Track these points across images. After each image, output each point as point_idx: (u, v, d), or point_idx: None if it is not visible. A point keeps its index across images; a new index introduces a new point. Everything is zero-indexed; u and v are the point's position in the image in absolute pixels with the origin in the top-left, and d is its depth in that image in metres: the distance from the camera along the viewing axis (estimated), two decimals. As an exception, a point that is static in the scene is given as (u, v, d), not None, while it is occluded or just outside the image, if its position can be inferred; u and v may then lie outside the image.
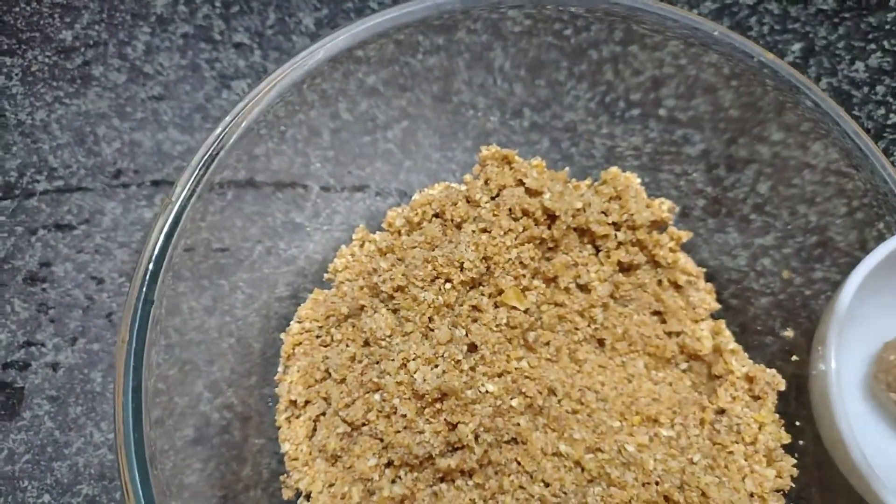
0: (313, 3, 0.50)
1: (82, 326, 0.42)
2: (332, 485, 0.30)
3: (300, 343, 0.35)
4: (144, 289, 0.30)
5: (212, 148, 0.33)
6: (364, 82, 0.42)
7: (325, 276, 0.39)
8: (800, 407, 0.37)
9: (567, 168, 0.38)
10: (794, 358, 0.38)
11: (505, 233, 0.33)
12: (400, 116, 0.43)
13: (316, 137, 0.42)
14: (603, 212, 0.35)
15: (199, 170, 0.32)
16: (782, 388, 0.36)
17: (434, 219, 0.35)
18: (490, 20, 0.41)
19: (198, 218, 0.37)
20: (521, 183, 0.35)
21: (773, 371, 0.36)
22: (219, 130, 0.34)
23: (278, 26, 0.49)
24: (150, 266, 0.30)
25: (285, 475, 0.33)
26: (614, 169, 0.38)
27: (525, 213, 0.33)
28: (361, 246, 0.38)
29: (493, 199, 0.35)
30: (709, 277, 0.42)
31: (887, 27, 0.52)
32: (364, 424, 0.30)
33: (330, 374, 0.31)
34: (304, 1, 0.50)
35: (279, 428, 0.34)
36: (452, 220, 0.34)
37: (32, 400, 0.41)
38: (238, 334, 0.39)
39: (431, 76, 0.43)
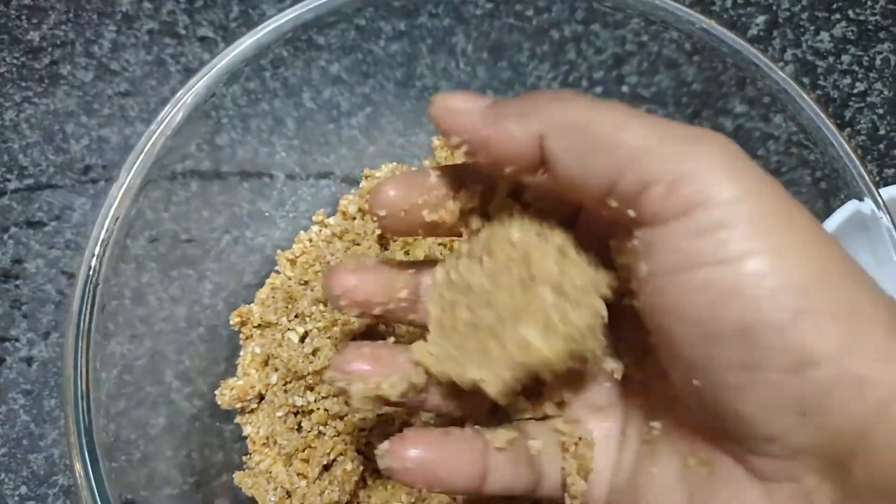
0: (277, -5, 0.51)
1: (55, 321, 0.43)
2: (290, 464, 0.30)
3: (258, 325, 0.35)
4: (91, 272, 0.30)
5: (159, 128, 0.33)
6: (327, 70, 0.42)
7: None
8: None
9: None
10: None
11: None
12: (363, 103, 0.44)
13: (280, 126, 0.42)
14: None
15: (145, 153, 0.32)
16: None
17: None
18: (451, 3, 0.42)
19: (161, 209, 0.37)
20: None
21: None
22: (165, 110, 0.34)
23: (242, 19, 0.50)
24: (96, 249, 0.30)
25: (248, 457, 0.34)
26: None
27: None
28: (319, 231, 0.39)
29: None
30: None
31: (851, -4, 0.52)
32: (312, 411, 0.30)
33: (279, 356, 0.32)
34: (268, -7, 0.51)
35: (240, 411, 0.35)
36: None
37: (7, 394, 0.41)
38: (207, 323, 0.39)
39: (394, 62, 0.43)
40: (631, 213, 0.19)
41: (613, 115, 0.19)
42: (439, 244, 0.37)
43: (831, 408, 0.17)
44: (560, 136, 0.20)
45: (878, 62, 0.50)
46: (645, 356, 0.24)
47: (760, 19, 0.51)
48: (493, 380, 0.21)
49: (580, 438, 0.24)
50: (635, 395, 0.24)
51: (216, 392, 0.35)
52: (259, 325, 0.36)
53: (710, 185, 0.18)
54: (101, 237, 0.30)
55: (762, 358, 0.17)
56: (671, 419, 0.22)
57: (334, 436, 0.31)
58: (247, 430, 0.34)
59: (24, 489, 0.39)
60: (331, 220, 0.40)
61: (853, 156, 0.36)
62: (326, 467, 0.31)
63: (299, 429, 0.32)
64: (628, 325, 0.24)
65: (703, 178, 0.18)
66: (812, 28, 0.51)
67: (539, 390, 0.25)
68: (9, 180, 0.46)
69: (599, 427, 0.25)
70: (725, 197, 0.18)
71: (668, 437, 0.22)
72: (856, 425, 0.17)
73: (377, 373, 0.23)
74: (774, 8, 0.52)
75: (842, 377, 0.17)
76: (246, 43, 0.35)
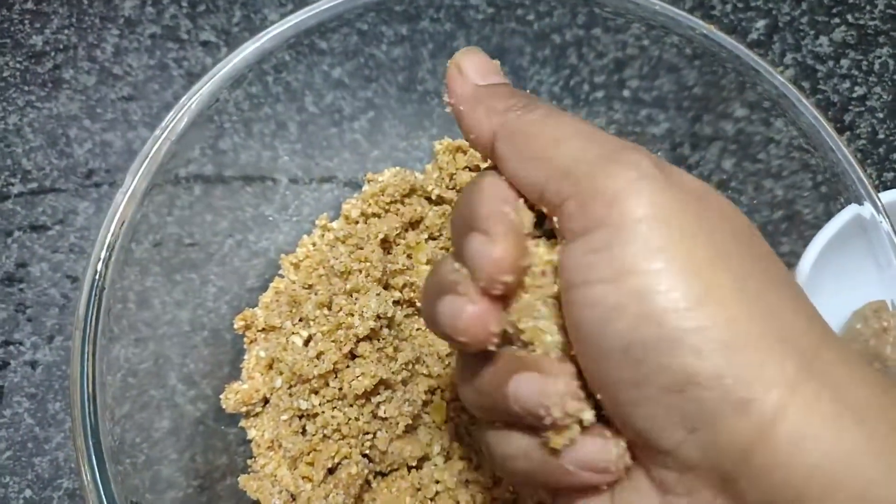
0: (278, 0, 0.51)
1: (59, 324, 0.43)
2: (295, 467, 0.31)
3: (262, 329, 0.36)
4: (97, 277, 0.30)
5: (163, 134, 0.33)
6: (329, 75, 0.42)
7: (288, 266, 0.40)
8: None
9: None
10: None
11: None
12: (366, 107, 0.44)
13: (283, 130, 0.42)
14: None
15: (150, 159, 0.32)
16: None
17: (387, 214, 0.35)
18: (453, 8, 0.42)
19: (164, 213, 0.37)
20: (478, 168, 0.36)
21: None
22: (170, 116, 0.34)
23: (244, 23, 0.50)
24: (102, 253, 0.30)
25: (252, 460, 0.34)
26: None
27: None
28: (322, 236, 0.39)
29: (449, 188, 0.36)
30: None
31: (850, 1, 0.52)
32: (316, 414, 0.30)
33: (283, 360, 0.32)
34: (270, -3, 0.51)
35: (244, 415, 0.35)
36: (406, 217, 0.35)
37: (12, 398, 0.41)
38: (210, 326, 0.39)
39: (396, 66, 0.43)
40: (555, 223, 0.20)
41: (556, 129, 0.20)
42: (441, 248, 0.38)
43: (717, 427, 0.17)
44: (506, 139, 0.21)
45: (877, 66, 0.51)
46: None
47: (760, 23, 0.52)
48: None
49: None
50: None
51: (221, 396, 0.35)
52: (263, 329, 0.36)
53: (611, 204, 0.18)
54: (107, 241, 0.30)
55: (647, 376, 0.18)
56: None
57: (339, 439, 0.31)
58: (251, 433, 0.34)
59: (28, 492, 0.39)
60: (334, 225, 0.40)
61: (853, 160, 0.36)
62: (331, 470, 0.31)
63: (304, 432, 0.32)
64: None
65: (608, 197, 0.18)
66: (812, 32, 0.51)
67: None
68: (12, 184, 0.46)
69: None
70: (623, 216, 0.18)
71: None
72: (740, 445, 0.17)
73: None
74: (774, 12, 0.52)
75: (724, 398, 0.17)
76: (249, 49, 0.35)
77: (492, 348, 0.20)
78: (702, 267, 0.18)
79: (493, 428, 0.22)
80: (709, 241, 0.18)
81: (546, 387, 0.20)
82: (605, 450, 0.20)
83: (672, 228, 0.18)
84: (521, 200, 0.21)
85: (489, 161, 0.23)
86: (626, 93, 0.43)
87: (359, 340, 0.31)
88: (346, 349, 0.31)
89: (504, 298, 0.20)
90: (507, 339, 0.21)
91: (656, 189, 0.19)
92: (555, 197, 0.20)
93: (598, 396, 0.19)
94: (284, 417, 0.32)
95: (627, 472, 0.20)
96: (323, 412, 0.31)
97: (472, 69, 0.23)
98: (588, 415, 0.19)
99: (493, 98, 0.22)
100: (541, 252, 0.20)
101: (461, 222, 0.21)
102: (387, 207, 0.37)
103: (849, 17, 0.52)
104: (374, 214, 0.37)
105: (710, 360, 0.17)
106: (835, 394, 0.17)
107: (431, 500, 0.32)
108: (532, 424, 0.20)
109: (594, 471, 0.20)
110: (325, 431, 0.31)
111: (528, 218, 0.21)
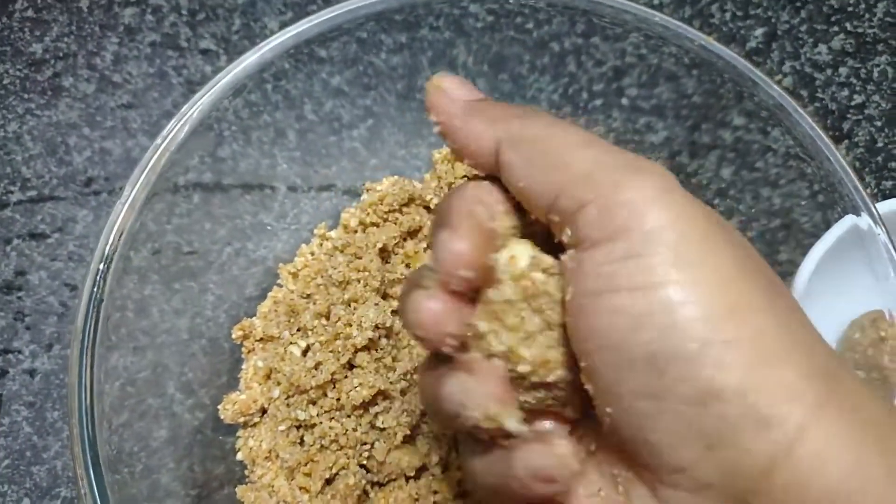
0: (278, 8, 0.51)
1: (58, 332, 0.43)
2: (292, 478, 0.31)
3: (260, 339, 0.36)
4: (95, 288, 0.30)
5: (164, 143, 0.33)
6: (329, 83, 0.42)
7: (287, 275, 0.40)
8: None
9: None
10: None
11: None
12: (365, 115, 0.44)
13: (282, 139, 0.42)
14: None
15: (149, 169, 0.33)
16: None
17: (385, 223, 0.36)
18: (452, 16, 0.42)
19: (163, 221, 0.37)
20: (476, 177, 0.36)
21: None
22: (170, 125, 0.34)
23: (243, 31, 0.50)
24: (100, 266, 0.30)
25: (250, 470, 0.34)
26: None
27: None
28: (321, 244, 0.39)
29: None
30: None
31: (849, 9, 0.52)
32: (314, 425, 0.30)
33: (281, 370, 0.32)
34: (269, 6, 0.51)
35: (242, 425, 0.35)
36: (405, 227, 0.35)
37: (11, 406, 0.41)
38: (209, 335, 0.39)
39: (395, 74, 0.44)
40: (567, 232, 0.20)
41: (568, 136, 0.20)
42: None
43: (737, 444, 0.17)
44: (515, 147, 0.21)
45: (875, 74, 0.51)
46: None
47: (759, 32, 0.52)
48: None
49: None
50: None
51: (219, 406, 0.35)
52: (261, 339, 0.36)
53: (638, 213, 0.18)
54: (106, 252, 0.31)
55: (669, 387, 0.18)
56: (598, 442, 0.22)
57: (337, 450, 0.31)
58: (249, 443, 0.34)
59: (26, 501, 0.39)
60: (332, 234, 0.40)
61: (849, 170, 0.36)
62: (329, 481, 0.31)
63: (301, 443, 0.32)
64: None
65: (634, 206, 0.18)
66: (811, 40, 0.51)
67: None
68: (11, 192, 0.46)
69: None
70: (651, 225, 0.18)
71: (595, 459, 0.22)
72: (760, 464, 0.17)
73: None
74: (773, 20, 0.52)
75: (747, 414, 0.17)
76: (250, 59, 0.35)
77: (447, 350, 0.20)
78: (731, 281, 0.18)
79: (465, 442, 0.22)
80: (736, 256, 0.19)
81: (467, 385, 0.20)
82: (546, 454, 0.20)
83: (702, 241, 0.18)
84: (503, 207, 0.21)
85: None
86: (624, 101, 0.44)
87: (357, 350, 0.32)
88: (344, 359, 0.31)
89: (471, 301, 0.20)
90: (465, 346, 0.21)
91: (684, 201, 0.19)
92: (572, 203, 0.19)
93: (609, 410, 0.19)
94: (282, 428, 0.32)
95: (627, 492, 0.20)
96: (321, 423, 0.31)
97: (455, 87, 0.23)
98: (512, 423, 0.19)
99: (489, 109, 0.22)
100: (516, 253, 0.20)
101: (435, 222, 0.22)
102: (385, 216, 0.37)
103: (847, 25, 0.52)
104: (372, 223, 0.37)
105: (735, 374, 0.17)
106: (854, 415, 0.17)
107: (428, 509, 0.32)
108: (468, 431, 0.20)
109: (543, 480, 0.20)
110: (323, 442, 0.31)
111: (508, 222, 0.21)
